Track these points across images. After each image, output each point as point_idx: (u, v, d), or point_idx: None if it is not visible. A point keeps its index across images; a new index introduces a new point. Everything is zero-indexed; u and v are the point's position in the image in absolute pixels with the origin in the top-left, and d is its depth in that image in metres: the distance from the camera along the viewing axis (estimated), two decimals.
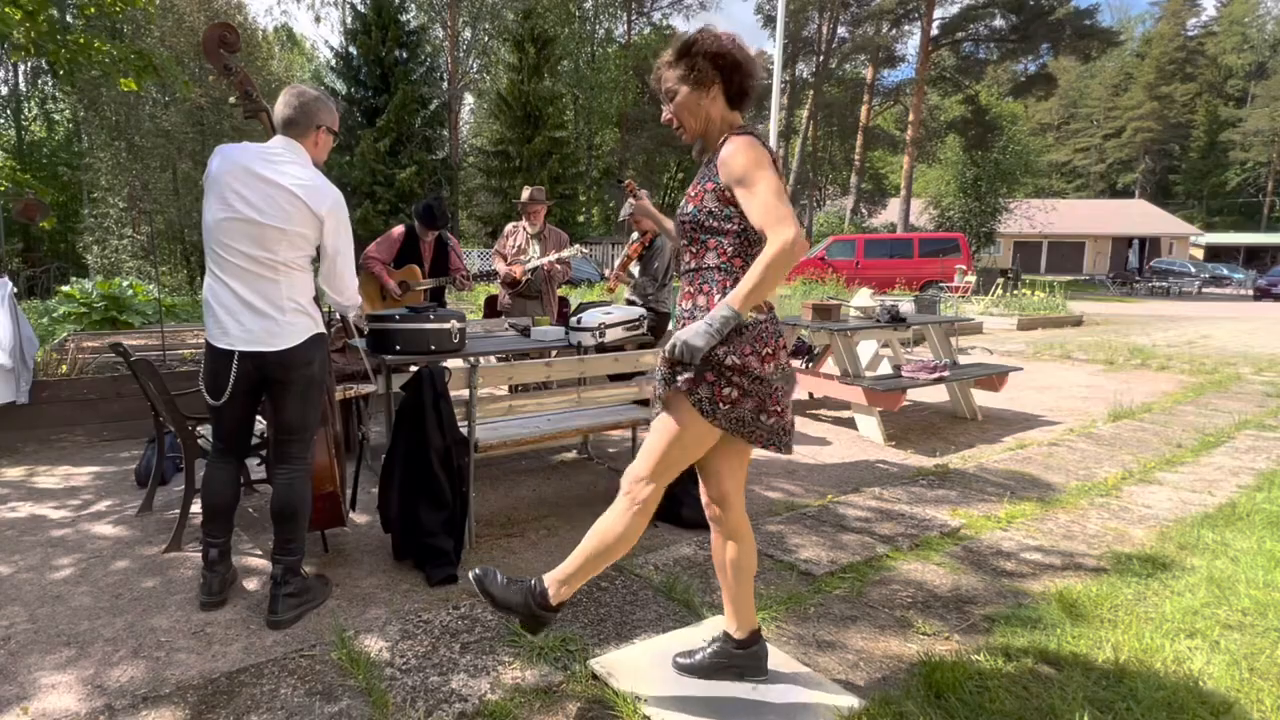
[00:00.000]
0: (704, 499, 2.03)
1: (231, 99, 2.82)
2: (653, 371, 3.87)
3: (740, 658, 2.06)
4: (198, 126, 18.58)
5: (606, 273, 4.88)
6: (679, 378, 1.83)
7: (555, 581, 1.98)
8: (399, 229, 4.86)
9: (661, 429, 1.89)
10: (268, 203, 2.33)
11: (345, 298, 2.65)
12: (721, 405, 1.81)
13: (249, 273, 2.37)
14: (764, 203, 1.73)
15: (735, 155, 1.78)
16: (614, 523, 1.92)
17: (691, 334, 1.72)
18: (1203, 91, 54.13)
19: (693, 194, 1.92)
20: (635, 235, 4.71)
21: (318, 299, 2.57)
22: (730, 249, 1.86)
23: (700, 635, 2.28)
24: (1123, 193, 53.98)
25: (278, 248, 2.36)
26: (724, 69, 1.84)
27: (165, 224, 18.59)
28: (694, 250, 1.93)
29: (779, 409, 1.87)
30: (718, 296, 1.84)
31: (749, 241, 1.85)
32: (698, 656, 2.10)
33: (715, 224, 1.86)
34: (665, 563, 2.91)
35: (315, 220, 2.39)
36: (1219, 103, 54.07)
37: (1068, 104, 56.78)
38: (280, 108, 2.46)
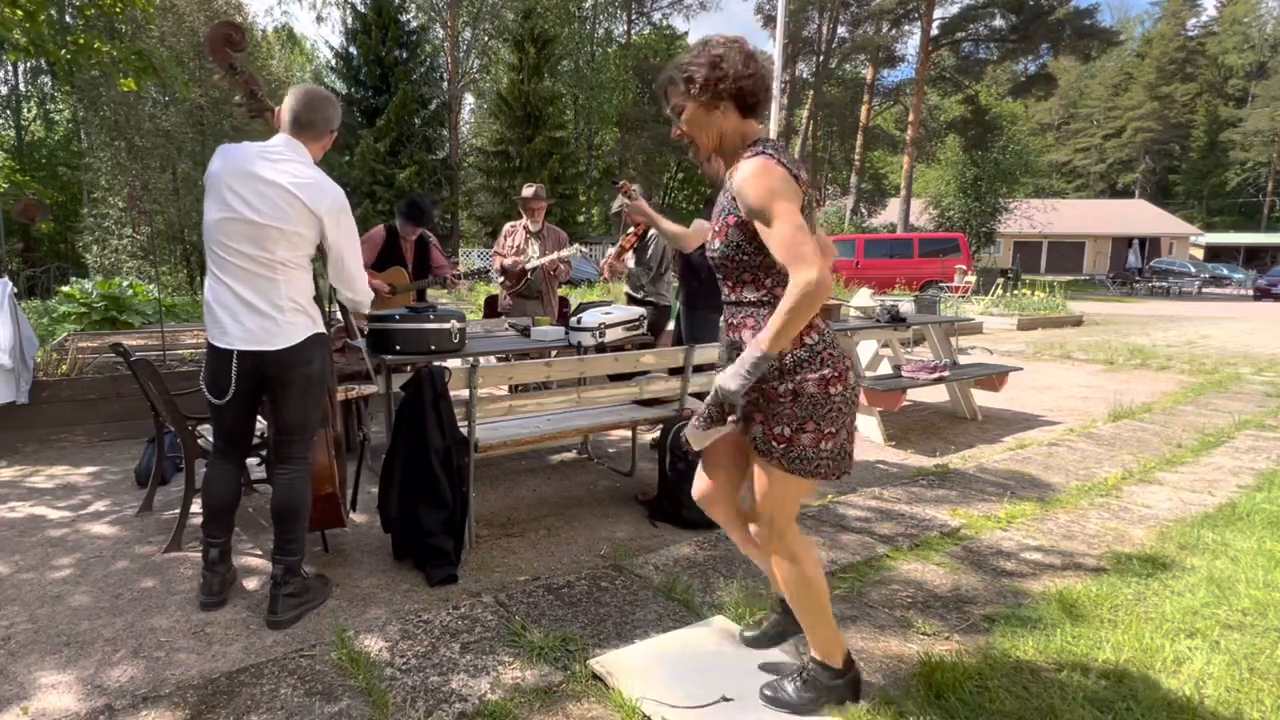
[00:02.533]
0: (699, 489, 2.01)
1: (236, 98, 2.81)
2: (653, 374, 3.87)
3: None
4: (198, 126, 18.57)
5: (601, 262, 4.92)
6: (729, 419, 1.78)
7: (818, 651, 1.96)
8: (379, 230, 4.78)
9: (756, 480, 1.89)
10: (265, 203, 2.33)
11: (358, 294, 2.64)
12: (776, 445, 1.78)
13: (248, 273, 2.37)
14: (782, 240, 1.66)
15: (748, 184, 1.70)
16: (786, 577, 1.91)
17: (725, 378, 1.70)
18: (1203, 91, 54.16)
19: (717, 228, 1.84)
20: (630, 229, 4.73)
21: (318, 298, 2.57)
22: (769, 281, 1.79)
23: (700, 635, 2.28)
24: (1123, 193, 54.00)
25: (276, 247, 2.36)
26: (734, 89, 1.76)
27: (165, 224, 18.58)
28: (730, 284, 1.86)
29: (834, 430, 1.80)
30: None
31: (768, 273, 1.80)
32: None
33: (746, 258, 1.79)
34: (665, 563, 2.91)
35: (314, 219, 2.38)
36: (1219, 103, 54.09)
37: (1068, 104, 56.80)
38: (297, 109, 2.43)
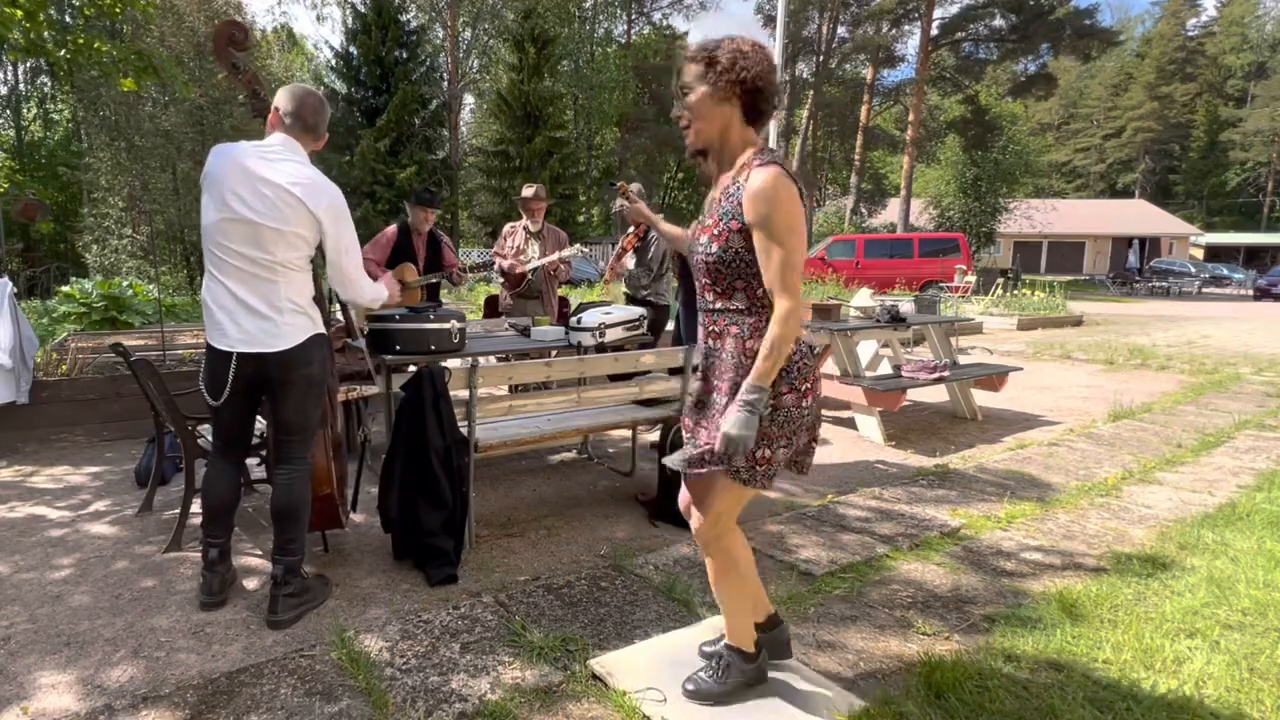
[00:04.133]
0: (684, 501, 1.99)
1: (240, 97, 2.81)
2: (653, 374, 3.86)
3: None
4: (198, 126, 18.56)
5: (603, 264, 4.93)
6: (709, 462, 1.79)
7: (735, 638, 2.01)
8: (391, 229, 4.84)
9: (709, 491, 1.87)
10: (264, 203, 2.32)
11: (358, 296, 2.62)
12: (759, 468, 1.78)
13: (246, 274, 2.36)
14: (779, 264, 1.70)
15: (764, 197, 1.68)
16: (719, 568, 1.94)
17: (736, 426, 1.68)
18: (1203, 91, 54.14)
19: (716, 231, 1.78)
20: (630, 229, 4.74)
21: (319, 298, 2.56)
22: (760, 290, 1.77)
23: (700, 635, 2.28)
24: (1123, 193, 53.97)
25: (275, 248, 2.35)
26: (750, 87, 1.73)
27: (165, 224, 18.58)
28: (718, 290, 1.83)
29: (789, 440, 1.82)
30: (749, 341, 1.78)
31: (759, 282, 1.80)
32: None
33: (744, 266, 1.76)
34: (665, 563, 2.91)
35: (313, 219, 2.37)
36: (1219, 103, 54.08)
37: (1068, 104, 56.78)
38: (301, 111, 2.43)
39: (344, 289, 2.58)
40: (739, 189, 1.74)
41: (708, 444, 1.81)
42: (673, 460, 1.88)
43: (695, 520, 1.94)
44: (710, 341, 1.88)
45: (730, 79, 1.72)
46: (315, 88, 2.62)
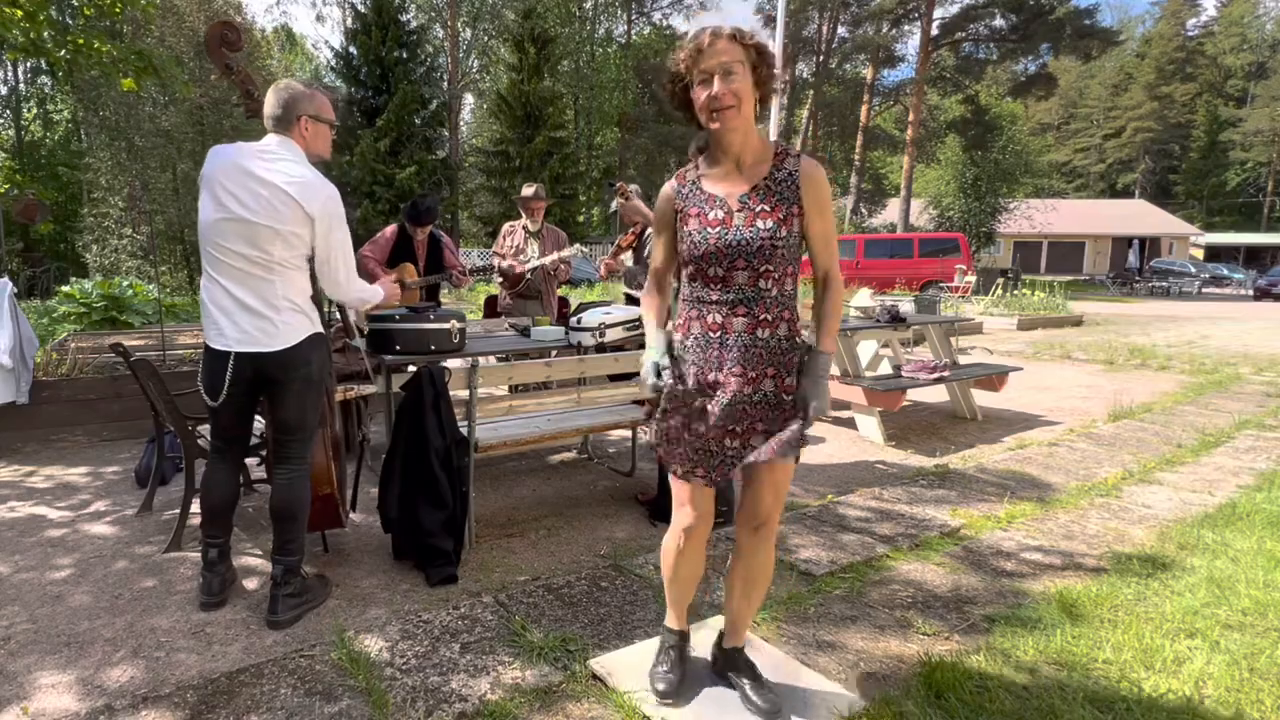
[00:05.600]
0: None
1: (234, 97, 2.84)
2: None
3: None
4: (198, 126, 18.57)
5: (599, 260, 4.95)
6: (805, 436, 1.77)
7: (744, 640, 2.08)
8: (391, 228, 4.86)
9: (779, 484, 1.91)
10: (259, 202, 2.32)
11: (346, 297, 2.60)
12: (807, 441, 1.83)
13: (243, 273, 2.36)
14: (831, 241, 1.84)
15: (824, 184, 1.79)
16: (771, 568, 2.01)
17: (821, 394, 1.76)
18: (1203, 91, 54.15)
19: (782, 216, 1.75)
20: (629, 228, 4.74)
21: (315, 298, 2.56)
22: (794, 274, 1.85)
23: (699, 635, 2.28)
24: (1123, 193, 53.98)
25: (272, 247, 2.35)
26: (770, 83, 1.79)
27: (165, 224, 18.59)
28: (776, 276, 1.78)
29: None
30: (796, 324, 1.85)
31: (799, 265, 1.88)
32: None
33: (795, 251, 1.81)
34: None
35: (307, 218, 2.37)
36: (1219, 103, 54.08)
37: (1068, 104, 56.79)
38: (266, 107, 2.46)
39: (333, 290, 2.56)
40: (791, 175, 1.78)
41: (785, 429, 1.77)
42: (776, 452, 1.75)
43: (766, 530, 1.93)
44: (759, 331, 1.78)
45: (768, 74, 1.76)
46: (301, 80, 2.62)
